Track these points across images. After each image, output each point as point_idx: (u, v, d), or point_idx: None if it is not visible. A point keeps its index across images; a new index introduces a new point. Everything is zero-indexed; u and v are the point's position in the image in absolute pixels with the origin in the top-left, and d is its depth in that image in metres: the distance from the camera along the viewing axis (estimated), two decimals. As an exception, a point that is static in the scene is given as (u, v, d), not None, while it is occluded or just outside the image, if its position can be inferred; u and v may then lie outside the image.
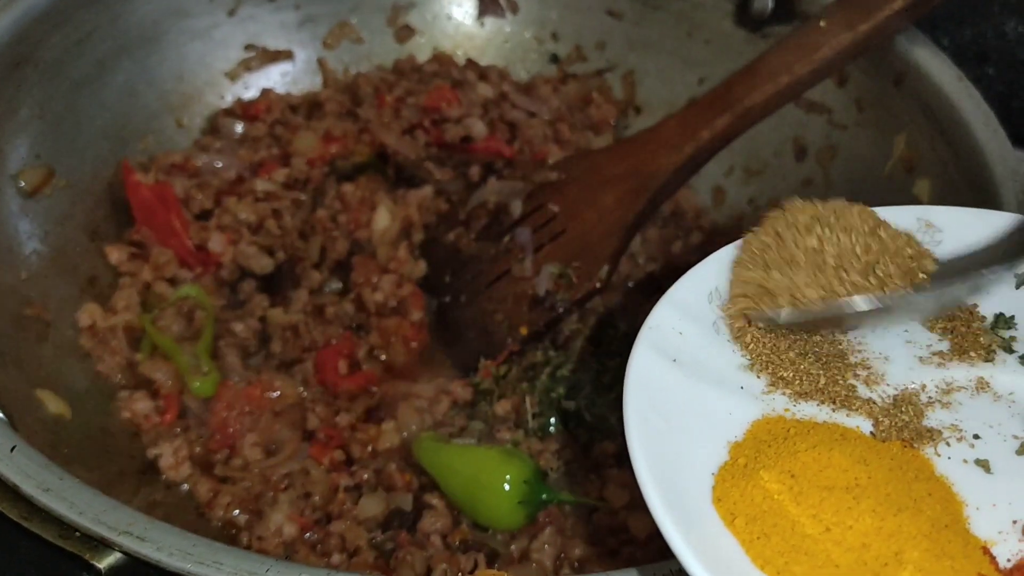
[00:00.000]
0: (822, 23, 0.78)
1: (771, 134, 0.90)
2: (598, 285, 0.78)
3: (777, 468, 0.44)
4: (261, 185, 0.85)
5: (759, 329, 0.52)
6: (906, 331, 0.54)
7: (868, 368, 0.52)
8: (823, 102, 0.88)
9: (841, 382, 0.51)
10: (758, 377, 0.50)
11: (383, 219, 0.86)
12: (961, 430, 0.49)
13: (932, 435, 0.48)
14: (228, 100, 0.92)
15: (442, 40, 0.98)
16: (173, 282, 0.80)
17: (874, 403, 0.50)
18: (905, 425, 0.49)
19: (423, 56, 0.97)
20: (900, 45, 0.81)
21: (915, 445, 0.48)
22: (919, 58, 0.80)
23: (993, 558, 0.43)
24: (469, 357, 0.80)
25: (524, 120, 0.93)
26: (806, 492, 0.42)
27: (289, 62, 0.94)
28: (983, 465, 0.47)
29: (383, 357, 0.80)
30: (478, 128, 0.92)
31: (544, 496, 0.68)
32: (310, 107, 0.93)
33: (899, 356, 0.53)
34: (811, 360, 0.51)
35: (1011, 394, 0.51)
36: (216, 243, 0.81)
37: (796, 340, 0.52)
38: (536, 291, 0.79)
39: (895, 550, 0.41)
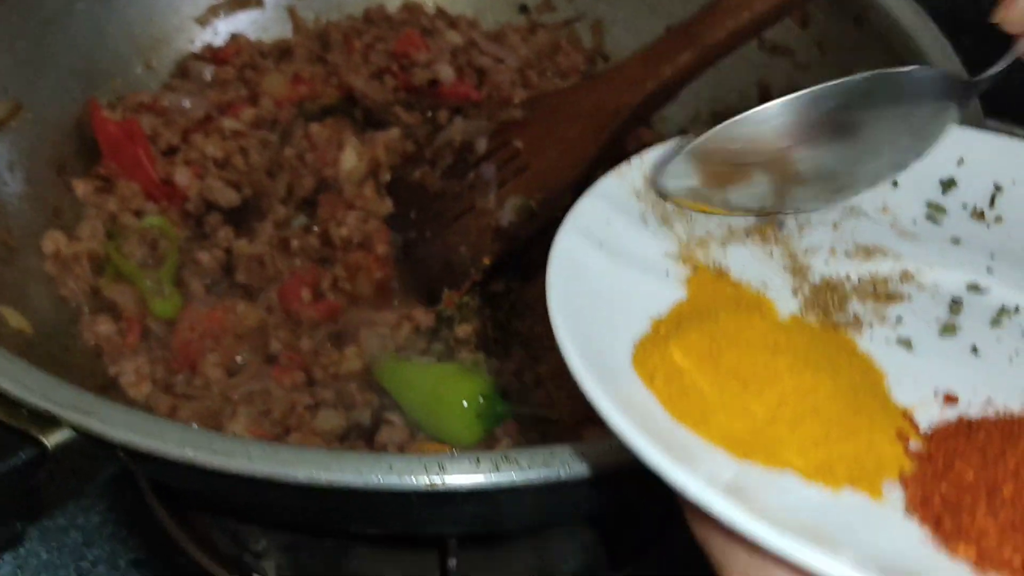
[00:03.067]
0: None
1: (735, 78, 0.91)
2: (559, 215, 0.79)
3: (696, 331, 0.44)
4: (229, 124, 0.86)
5: (689, 221, 0.53)
6: (833, 226, 0.55)
7: (794, 259, 0.52)
8: (786, 44, 0.89)
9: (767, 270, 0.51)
10: (684, 265, 0.51)
11: (350, 159, 0.87)
12: (884, 314, 0.49)
13: (855, 319, 0.49)
14: (197, 45, 0.93)
15: (412, -10, 0.99)
16: (139, 215, 0.81)
17: (798, 289, 0.50)
18: (828, 307, 0.49)
19: (393, 5, 0.98)
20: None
21: (838, 328, 0.48)
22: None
23: (914, 423, 0.43)
24: (433, 289, 0.80)
25: (492, 66, 0.94)
26: (724, 350, 0.43)
27: (259, 9, 0.95)
28: (905, 343, 0.48)
29: (347, 288, 0.81)
30: (446, 73, 0.92)
31: (500, 410, 0.69)
32: (280, 53, 0.94)
33: (824, 250, 0.53)
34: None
35: (935, 284, 0.52)
36: (182, 176, 0.82)
37: (727, 234, 0.53)
38: (499, 223, 0.80)
39: (812, 405, 0.41)
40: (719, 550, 0.36)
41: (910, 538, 0.37)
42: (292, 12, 0.96)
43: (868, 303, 0.50)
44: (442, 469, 0.48)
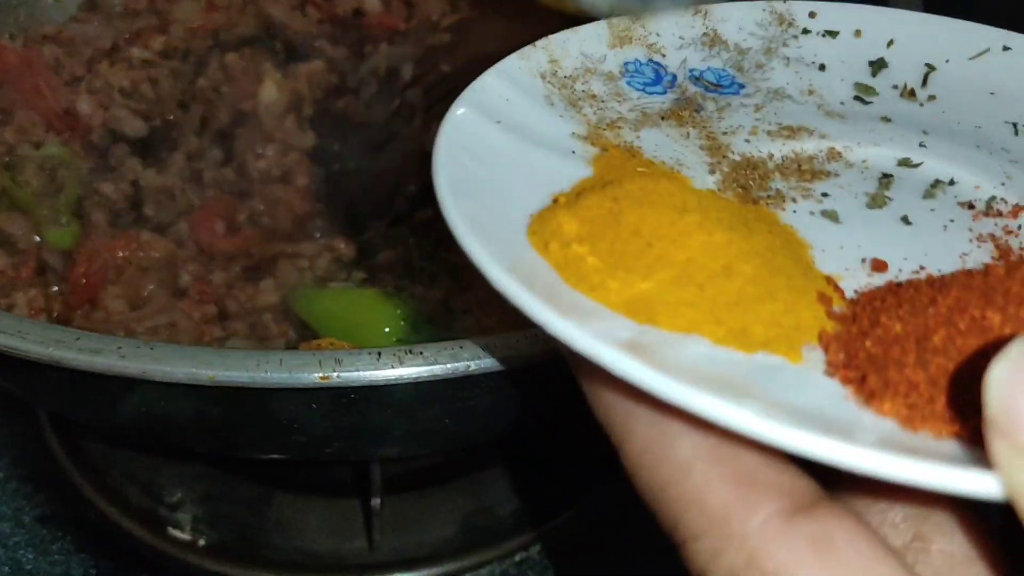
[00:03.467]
0: None
1: None
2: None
3: (597, 196, 0.39)
4: (137, 53, 0.81)
5: (600, 106, 0.49)
6: (755, 108, 0.51)
7: (712, 139, 0.48)
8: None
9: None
10: (592, 146, 0.46)
11: (270, 91, 0.82)
12: (809, 189, 0.45)
13: (777, 194, 0.45)
14: (108, -24, 0.87)
15: (337, -79, 0.94)
16: (39, 146, 0.75)
17: (715, 167, 0.46)
18: (747, 183, 0.45)
19: (317, -63, 0.93)
20: None
21: (758, 202, 0.44)
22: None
23: (839, 289, 0.39)
24: (358, 220, 0.76)
25: (422, -3, 0.90)
26: (625, 210, 0.38)
27: (174, -60, 0.90)
28: (831, 216, 0.44)
29: (265, 222, 0.76)
30: (371, 2, 0.88)
31: (424, 335, 0.64)
32: (196, -15, 0.88)
33: (746, 130, 0.49)
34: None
35: (864, 161, 0.48)
36: (84, 105, 0.77)
37: (641, 117, 0.49)
38: (426, 148, 0.75)
39: (724, 263, 0.36)
40: (618, 422, 0.31)
41: (831, 396, 0.32)
42: (210, -57, 0.91)
43: (792, 180, 0.46)
44: (338, 363, 0.44)
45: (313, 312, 0.67)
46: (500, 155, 0.43)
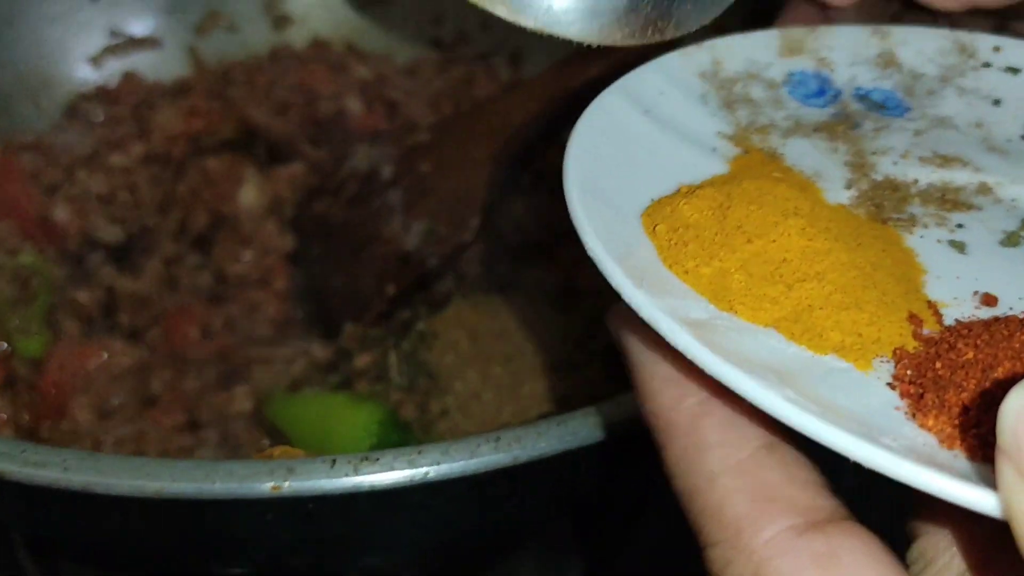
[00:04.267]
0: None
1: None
2: (468, 238, 0.74)
3: (714, 189, 0.39)
4: (116, 160, 0.81)
5: (755, 109, 0.48)
6: (915, 133, 0.50)
7: (859, 155, 0.48)
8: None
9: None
10: (736, 146, 0.46)
11: (250, 194, 0.82)
12: (945, 218, 0.44)
13: (910, 218, 0.43)
14: (90, 84, 0.88)
15: (321, 28, 0.95)
16: (14, 253, 0.75)
17: (854, 182, 0.45)
18: (882, 203, 0.44)
19: (301, 42, 0.94)
20: None
21: (886, 223, 0.43)
22: None
23: (939, 314, 0.37)
24: (335, 323, 0.74)
25: (404, 99, 0.90)
26: (735, 206, 0.38)
27: (157, 50, 0.91)
28: (957, 246, 0.42)
29: (241, 326, 0.75)
30: (354, 105, 0.88)
31: (399, 440, 0.62)
32: (178, 92, 0.89)
33: (897, 152, 0.48)
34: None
35: (1013, 200, 0.46)
36: (61, 213, 0.76)
37: (793, 126, 0.49)
38: (405, 249, 0.74)
39: (818, 270, 0.36)
40: (661, 429, 0.33)
41: (883, 405, 0.33)
42: (193, 51, 0.92)
43: (931, 207, 0.44)
44: (290, 472, 0.41)
45: (286, 418, 0.65)
46: (639, 142, 0.43)
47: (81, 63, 0.88)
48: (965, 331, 0.35)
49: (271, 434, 0.66)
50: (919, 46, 0.53)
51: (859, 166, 0.47)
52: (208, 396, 0.68)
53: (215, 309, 0.75)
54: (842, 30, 0.52)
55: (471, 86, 0.93)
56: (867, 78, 0.52)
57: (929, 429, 0.32)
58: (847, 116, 0.50)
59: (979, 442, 0.31)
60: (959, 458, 0.30)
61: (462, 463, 0.42)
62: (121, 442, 0.64)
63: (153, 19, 0.91)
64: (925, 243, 0.42)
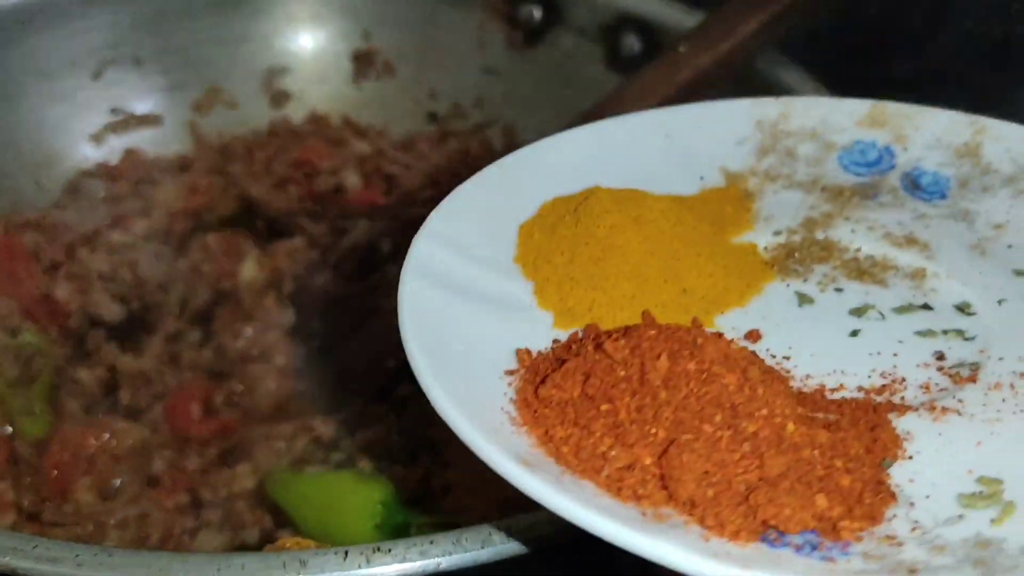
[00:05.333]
0: (681, 48, 0.77)
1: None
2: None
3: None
4: (117, 237, 0.81)
5: (790, 159, 0.53)
6: (918, 218, 0.51)
7: (826, 218, 0.51)
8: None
9: None
10: (731, 179, 0.52)
11: (250, 269, 0.82)
12: (835, 279, 0.47)
13: (802, 271, 0.48)
14: (91, 162, 0.89)
15: (318, 103, 0.97)
16: (15, 334, 0.75)
17: (791, 232, 0.50)
18: (794, 253, 0.48)
19: (299, 117, 0.96)
20: (762, 66, 0.81)
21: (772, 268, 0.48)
22: (780, 76, 0.80)
23: (700, 326, 0.42)
24: (337, 398, 0.74)
25: (402, 173, 0.91)
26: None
27: (158, 127, 0.92)
28: (803, 298, 0.46)
29: (243, 403, 0.75)
30: (352, 179, 0.89)
31: (402, 519, 0.62)
32: (179, 168, 0.90)
33: (869, 225, 0.51)
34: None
35: (933, 290, 0.47)
36: (62, 292, 0.77)
37: (804, 180, 0.53)
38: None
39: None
40: None
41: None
42: (192, 127, 0.93)
43: (838, 270, 0.47)
44: (303, 565, 0.42)
45: (289, 498, 0.65)
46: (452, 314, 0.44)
47: (82, 141, 0.89)
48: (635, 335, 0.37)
49: (273, 513, 0.66)
50: (1011, 144, 0.52)
51: (813, 222, 0.50)
52: (210, 475, 0.69)
53: (216, 386, 0.75)
54: (942, 115, 0.53)
55: (467, 159, 0.95)
56: (933, 161, 0.52)
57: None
58: (871, 186, 0.51)
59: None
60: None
61: (473, 553, 0.42)
62: (124, 524, 0.64)
63: (154, 97, 0.92)
64: (778, 287, 0.45)
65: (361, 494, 0.62)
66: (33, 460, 0.68)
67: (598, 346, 0.37)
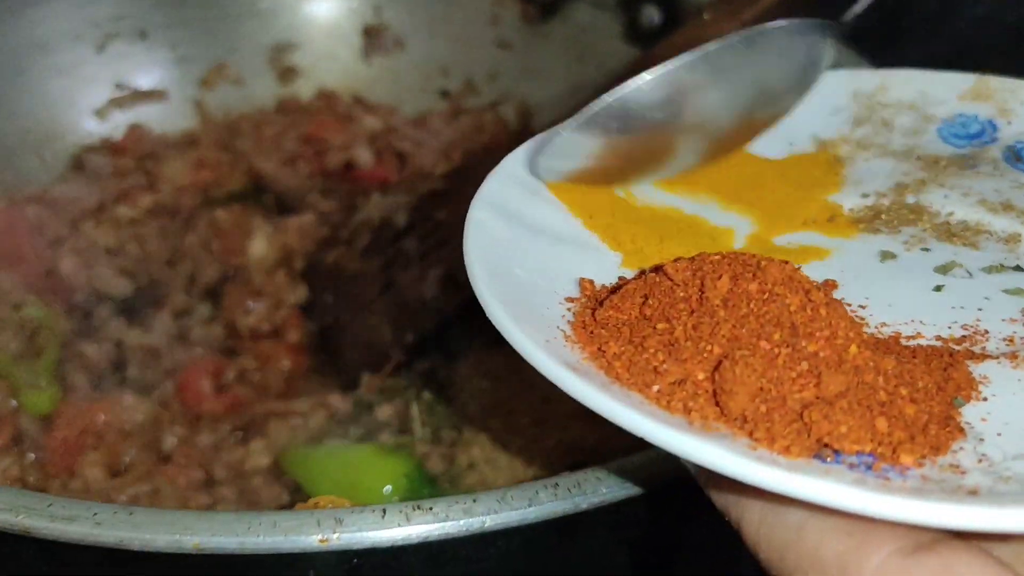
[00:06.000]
0: (706, 16, 0.75)
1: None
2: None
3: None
4: (123, 212, 0.79)
5: (885, 129, 0.51)
6: (1016, 187, 0.49)
7: (919, 184, 0.49)
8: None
9: None
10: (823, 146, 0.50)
11: (260, 246, 0.80)
12: (924, 240, 0.45)
13: (890, 231, 0.46)
14: (95, 137, 0.86)
15: (327, 80, 0.94)
16: (19, 308, 0.72)
17: (880, 195, 0.48)
18: (881, 215, 0.47)
19: (308, 94, 0.93)
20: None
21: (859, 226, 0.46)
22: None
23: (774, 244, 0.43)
24: (353, 374, 0.72)
25: (414, 149, 0.89)
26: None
27: (163, 102, 0.89)
28: (886, 255, 0.44)
29: (255, 379, 0.72)
30: (363, 156, 0.87)
31: (427, 493, 0.59)
32: (185, 145, 0.87)
33: (963, 192, 0.48)
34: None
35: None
36: (67, 266, 0.74)
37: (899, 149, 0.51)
38: (422, 297, 0.73)
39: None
40: (733, 504, 0.32)
41: None
42: (199, 104, 0.90)
43: (927, 232, 0.46)
44: (339, 524, 0.39)
45: (307, 473, 0.63)
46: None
47: (86, 116, 0.87)
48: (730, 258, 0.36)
49: (291, 490, 0.63)
50: None
51: (904, 187, 0.48)
52: (224, 452, 0.66)
53: (228, 363, 0.72)
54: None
55: (480, 135, 0.92)
56: None
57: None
58: (970, 157, 0.50)
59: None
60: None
61: (520, 512, 0.40)
62: (135, 501, 0.61)
63: (159, 72, 0.89)
64: (860, 244, 0.44)
65: (384, 466, 0.60)
66: (38, 436, 0.65)
67: (659, 270, 0.35)
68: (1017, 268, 0.43)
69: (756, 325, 0.32)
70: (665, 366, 0.32)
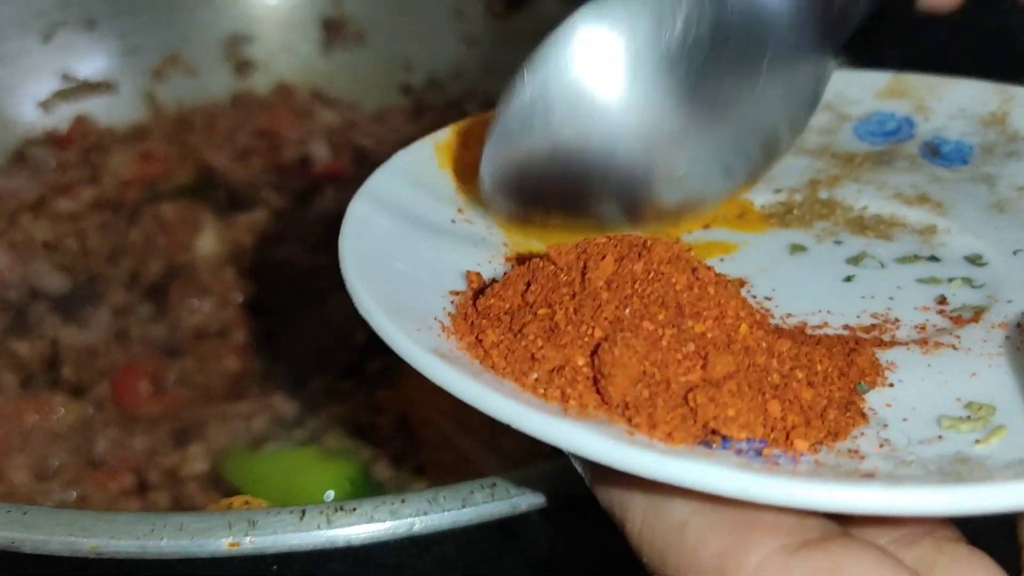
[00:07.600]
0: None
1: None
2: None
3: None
4: (64, 205, 0.75)
5: None
6: (933, 180, 0.48)
7: (832, 180, 0.48)
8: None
9: None
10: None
11: (207, 242, 0.76)
12: (835, 233, 0.44)
13: (802, 224, 0.45)
14: (40, 130, 0.83)
15: (285, 73, 0.91)
16: (-52, 305, 0.69)
17: (793, 191, 0.47)
18: (792, 210, 0.46)
19: (264, 89, 0.90)
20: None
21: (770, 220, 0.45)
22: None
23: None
24: (300, 375, 0.68)
25: (374, 145, 0.86)
26: None
27: (112, 94, 0.86)
28: (797, 248, 0.43)
29: (197, 380, 0.68)
30: (320, 150, 0.84)
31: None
32: (134, 137, 0.84)
33: (881, 186, 0.47)
34: None
35: (943, 244, 0.43)
36: (1, 260, 0.70)
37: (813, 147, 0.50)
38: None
39: None
40: (617, 504, 0.29)
41: None
42: (150, 96, 0.87)
43: (839, 225, 0.44)
44: (252, 526, 0.36)
45: (247, 478, 0.59)
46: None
47: (30, 107, 0.83)
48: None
49: (228, 496, 0.60)
50: None
51: (818, 183, 0.47)
52: (159, 456, 0.62)
53: (168, 363, 0.69)
54: (968, 85, 0.50)
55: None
56: (956, 131, 0.50)
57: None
58: (886, 153, 0.48)
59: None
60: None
61: (453, 513, 0.37)
62: (61, 506, 0.58)
63: (108, 63, 0.86)
64: (769, 239, 0.43)
65: (326, 471, 0.56)
66: (-38, 439, 0.61)
67: (544, 256, 0.33)
68: (932, 258, 0.42)
69: (640, 306, 0.30)
70: (543, 352, 0.30)
